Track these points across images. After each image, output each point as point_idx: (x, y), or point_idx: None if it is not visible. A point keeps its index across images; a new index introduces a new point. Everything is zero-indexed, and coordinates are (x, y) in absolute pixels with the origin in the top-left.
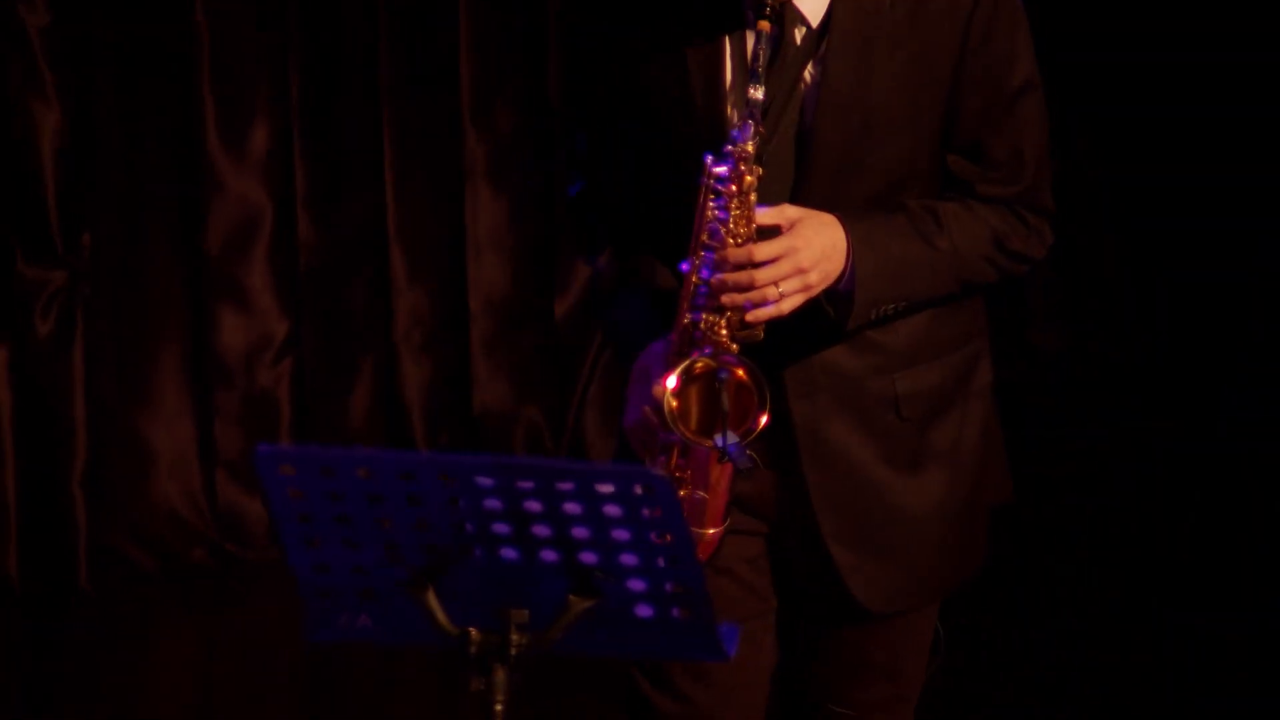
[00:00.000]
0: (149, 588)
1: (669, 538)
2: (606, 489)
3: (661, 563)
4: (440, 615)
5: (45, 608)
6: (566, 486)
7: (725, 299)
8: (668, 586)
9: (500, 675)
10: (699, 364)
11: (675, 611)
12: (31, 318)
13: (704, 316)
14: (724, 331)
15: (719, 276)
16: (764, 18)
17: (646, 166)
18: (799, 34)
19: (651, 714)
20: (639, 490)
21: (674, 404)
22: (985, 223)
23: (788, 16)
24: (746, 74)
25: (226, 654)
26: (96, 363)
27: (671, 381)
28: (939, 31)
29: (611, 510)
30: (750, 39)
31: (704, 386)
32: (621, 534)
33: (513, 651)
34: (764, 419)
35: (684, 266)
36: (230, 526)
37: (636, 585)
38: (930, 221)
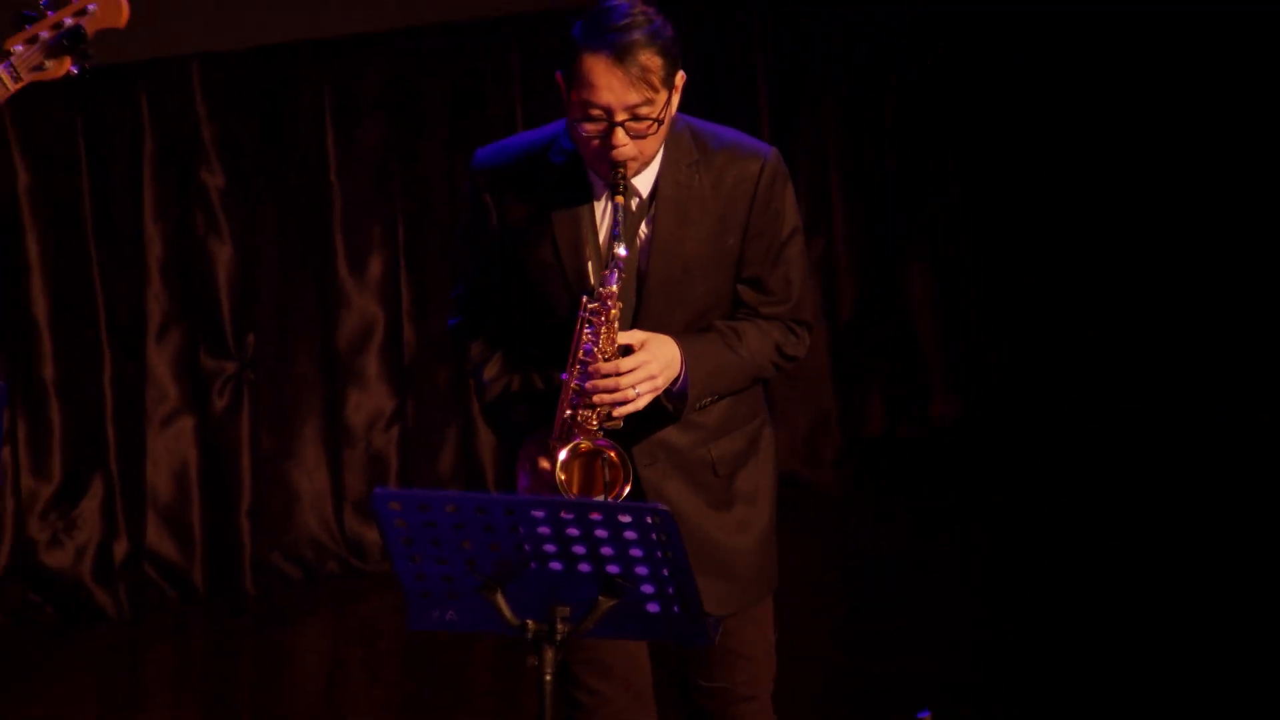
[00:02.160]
0: (295, 592)
1: (671, 555)
2: (626, 519)
3: (665, 572)
4: (506, 610)
5: (221, 606)
6: (597, 517)
7: (597, 399)
8: (670, 590)
9: (549, 654)
10: (583, 446)
11: (675, 608)
12: (210, 396)
13: (580, 412)
14: (594, 423)
15: (592, 382)
16: (619, 193)
17: (522, 306)
18: (634, 203)
19: (577, 705)
20: (650, 520)
21: (563, 477)
22: (769, 336)
23: (630, 190)
24: (599, 234)
25: (351, 640)
26: (258, 428)
27: (560, 457)
28: (733, 199)
29: (630, 535)
30: (598, 207)
31: (584, 463)
32: (637, 552)
33: (558, 637)
34: (628, 487)
35: (564, 376)
36: (354, 547)
37: (647, 589)
38: (734, 338)
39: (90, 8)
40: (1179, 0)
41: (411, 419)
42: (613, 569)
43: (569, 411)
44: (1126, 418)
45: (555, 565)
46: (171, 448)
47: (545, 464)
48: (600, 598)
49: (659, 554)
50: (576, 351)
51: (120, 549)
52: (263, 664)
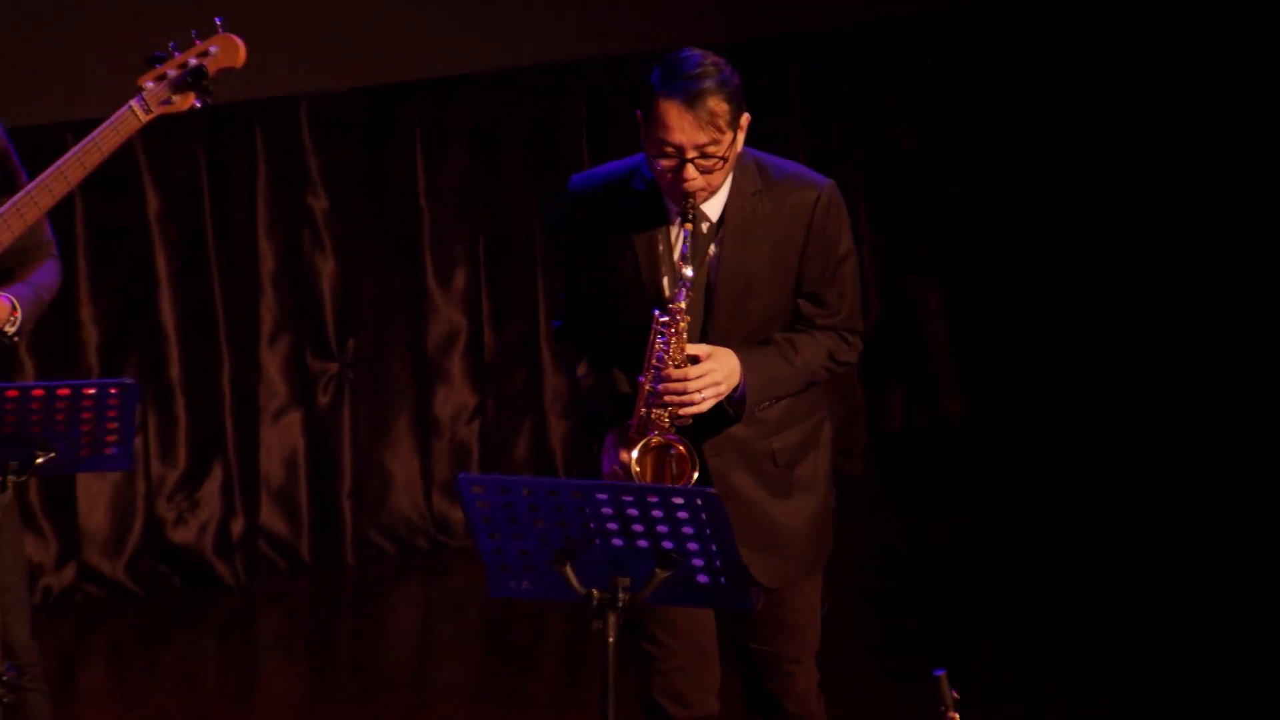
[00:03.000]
0: (389, 564)
1: (718, 533)
2: (679, 502)
3: (714, 548)
4: (574, 580)
5: (324, 576)
6: (654, 500)
7: (668, 400)
8: (717, 563)
9: (612, 619)
10: (654, 440)
11: (722, 579)
12: (315, 393)
13: (654, 411)
14: (665, 421)
15: (664, 385)
16: (688, 220)
17: (608, 314)
18: (704, 226)
19: (646, 658)
20: (699, 503)
21: (638, 469)
22: (823, 345)
23: (698, 216)
24: (673, 254)
25: (438, 606)
26: (357, 421)
27: (634, 454)
28: (792, 225)
29: (682, 515)
30: (673, 231)
31: (656, 455)
32: (688, 530)
33: (620, 604)
34: (695, 474)
35: (641, 379)
36: (441, 525)
37: (698, 563)
38: (790, 349)
39: (212, 50)
40: (1177, 1)
41: (490, 413)
42: (667, 545)
43: (644, 410)
44: (1126, 418)
45: (616, 541)
46: (281, 438)
47: (624, 455)
48: (656, 570)
49: (707, 532)
50: (650, 359)
51: (237, 526)
52: (361, 627)
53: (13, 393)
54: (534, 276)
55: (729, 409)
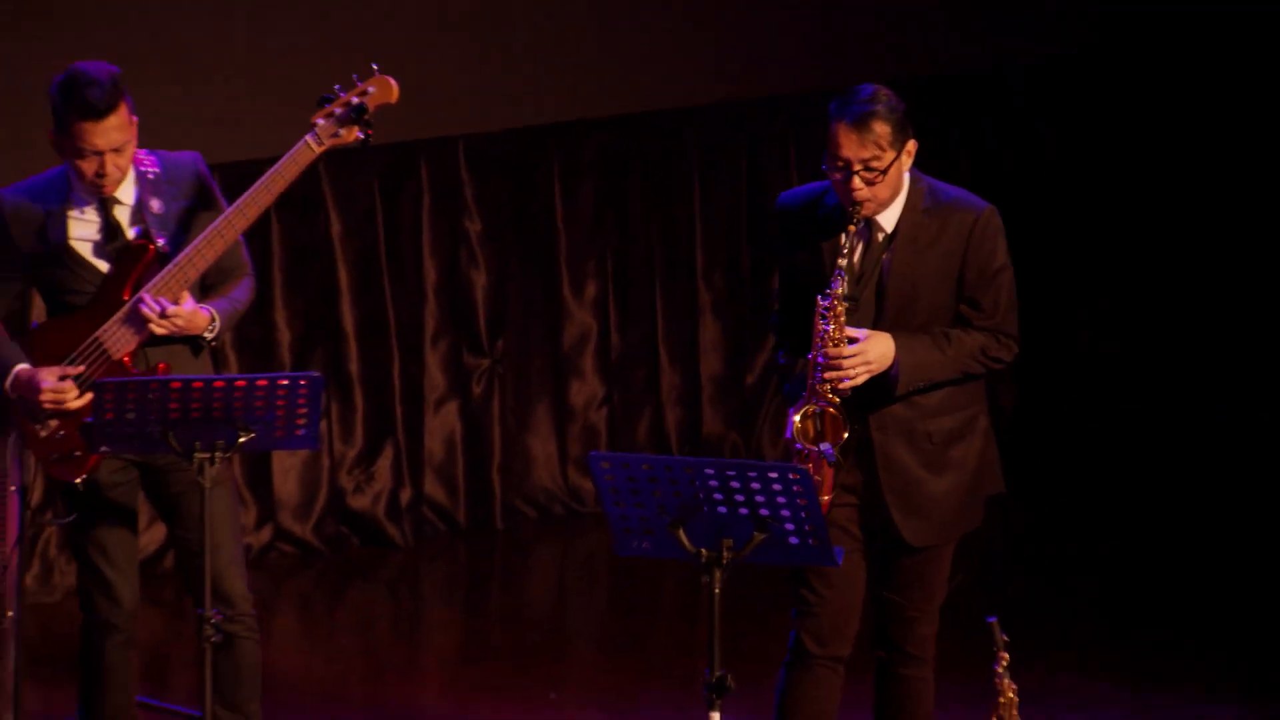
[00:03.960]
0: (531, 527)
1: (806, 502)
2: (774, 475)
3: (803, 515)
4: (685, 542)
5: (477, 537)
6: (753, 474)
7: (827, 375)
8: (806, 527)
9: (717, 575)
10: (812, 406)
11: (810, 541)
12: (470, 384)
13: (820, 384)
14: (828, 391)
15: (826, 362)
16: (852, 223)
17: (803, 304)
18: (880, 235)
19: (803, 602)
20: (792, 476)
21: (799, 424)
22: (975, 341)
23: (875, 226)
24: (845, 249)
25: (572, 563)
26: (505, 408)
27: (798, 416)
28: (955, 239)
29: (776, 488)
30: (846, 232)
31: (816, 419)
32: (781, 500)
33: (724, 561)
34: (845, 434)
35: (809, 355)
36: (575, 494)
37: (789, 527)
38: (944, 340)
39: (370, 90)
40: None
41: (616, 402)
42: (764, 512)
43: (812, 381)
44: (1125, 417)
45: (721, 509)
46: (442, 422)
47: (795, 418)
48: (754, 533)
49: (798, 501)
50: (816, 338)
51: (405, 495)
52: (508, 580)
53: (220, 384)
54: (653, 288)
55: (893, 387)
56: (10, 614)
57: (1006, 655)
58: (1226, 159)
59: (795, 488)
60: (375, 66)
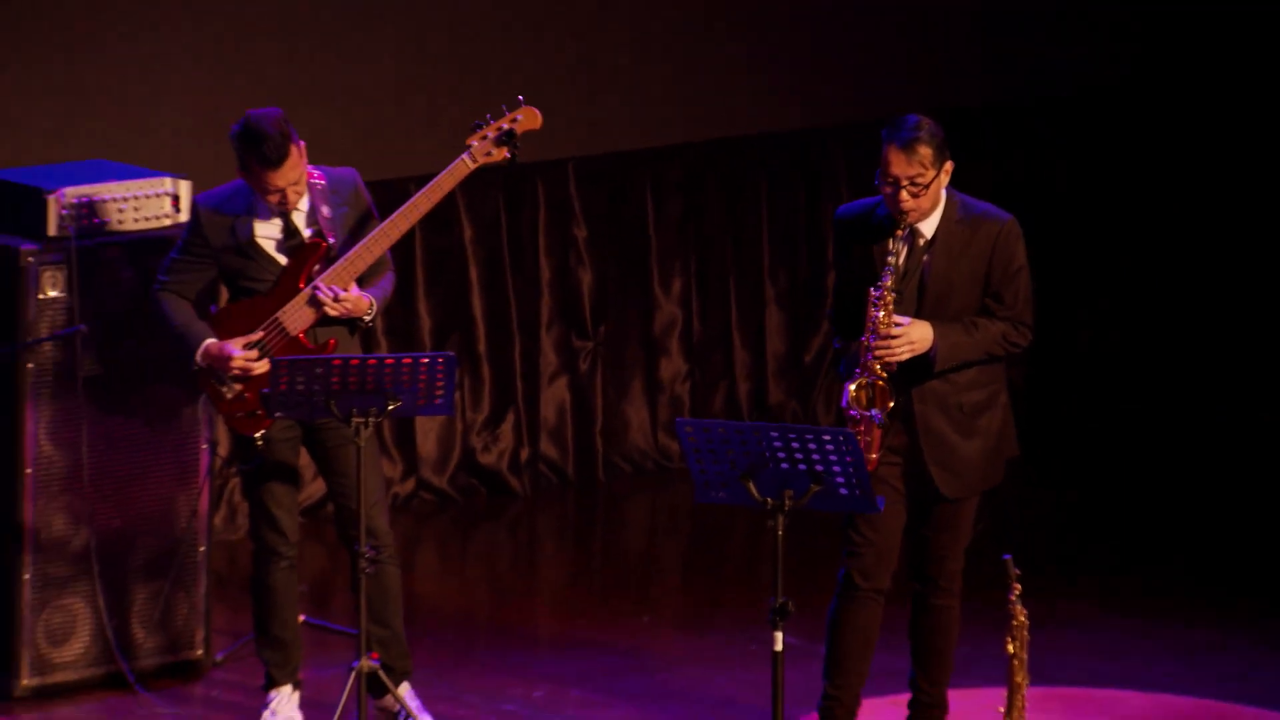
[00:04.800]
0: (627, 480)
1: (853, 459)
2: (827, 438)
3: (851, 470)
4: (754, 492)
5: (583, 489)
6: (809, 437)
7: (878, 353)
8: (853, 480)
9: (780, 519)
10: (864, 379)
11: (857, 492)
12: (578, 362)
13: (871, 361)
14: (878, 367)
15: (876, 342)
16: (899, 228)
17: (855, 298)
18: (921, 241)
19: (851, 543)
20: (841, 439)
21: (853, 393)
22: (998, 328)
23: (916, 233)
24: (894, 250)
25: (660, 510)
26: (606, 382)
27: (854, 386)
28: (984, 244)
29: (829, 448)
30: (895, 236)
31: (867, 390)
32: (833, 458)
33: (785, 508)
34: (891, 403)
35: (863, 339)
36: (664, 453)
37: (840, 480)
38: (972, 327)
39: (518, 117)
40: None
41: (697, 377)
42: (818, 468)
43: (864, 359)
44: (1127, 417)
45: (784, 465)
46: (554, 394)
47: (850, 387)
48: (811, 485)
49: (846, 459)
50: (868, 323)
51: (524, 453)
52: (607, 523)
53: (373, 362)
54: (727, 283)
55: (932, 364)
56: (202, 548)
57: (1019, 586)
58: (1228, 170)
59: (844, 448)
60: (521, 99)
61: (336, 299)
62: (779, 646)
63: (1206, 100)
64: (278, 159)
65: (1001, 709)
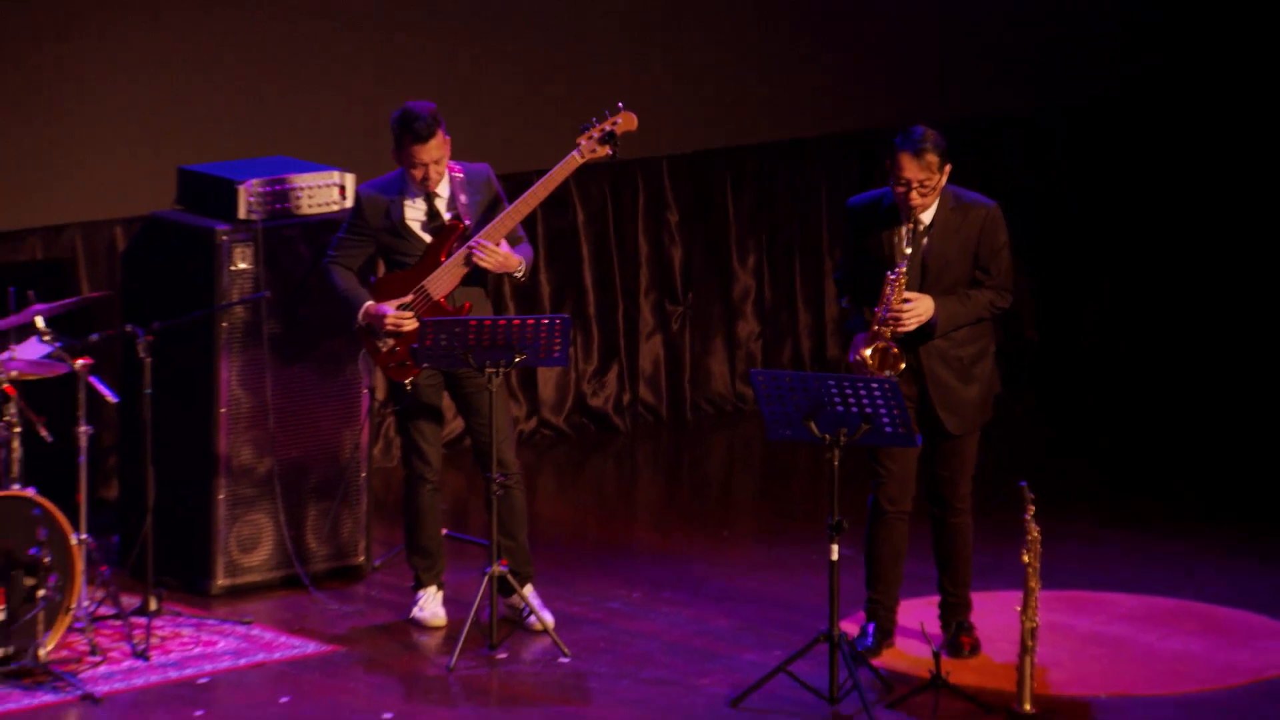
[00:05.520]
0: (711, 419)
1: (895, 403)
2: (875, 385)
3: (895, 413)
4: (815, 430)
5: (675, 425)
6: (860, 385)
7: (890, 320)
8: (896, 419)
9: (836, 452)
10: (879, 345)
11: (900, 430)
12: (670, 324)
13: (883, 327)
14: (888, 333)
15: (889, 312)
16: (909, 221)
17: (865, 274)
18: (921, 227)
19: (877, 474)
20: (886, 386)
21: (867, 358)
22: (986, 296)
23: (918, 220)
24: (902, 242)
25: (737, 444)
26: (693, 339)
27: (868, 351)
28: (972, 228)
29: (876, 393)
30: (903, 229)
31: (881, 353)
32: (880, 401)
33: (841, 443)
34: (903, 365)
35: (876, 309)
36: (740, 398)
37: (885, 419)
38: (965, 296)
39: (619, 120)
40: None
41: (768, 336)
42: (868, 410)
43: (877, 326)
44: (1130, 376)
45: (839, 408)
46: (650, 349)
47: (864, 351)
48: (861, 424)
49: (891, 403)
50: (883, 297)
51: (626, 397)
52: (695, 455)
53: (501, 321)
54: (793, 259)
55: (931, 330)
56: (363, 474)
57: (1032, 507)
58: (1228, 174)
59: (889, 395)
60: (620, 105)
61: (488, 251)
62: (835, 556)
63: (1203, 111)
64: (427, 135)
65: (1018, 608)
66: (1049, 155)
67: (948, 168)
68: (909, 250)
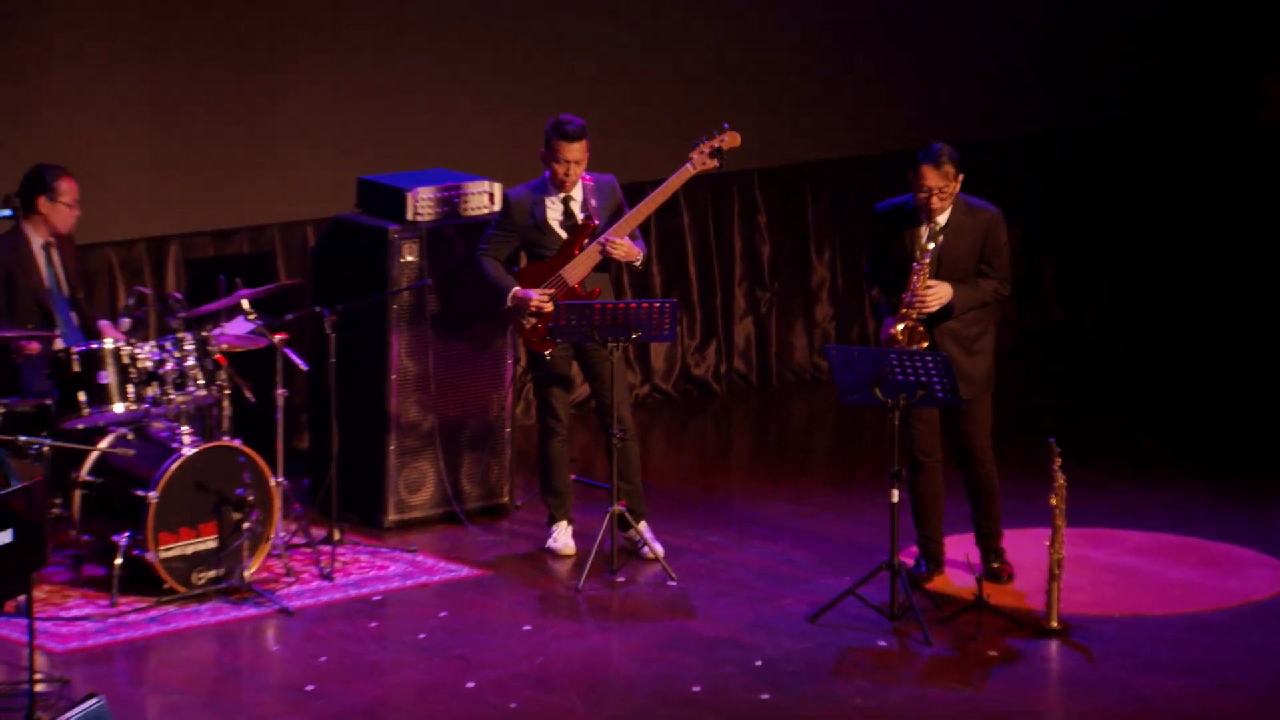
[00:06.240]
0: (791, 386)
1: (945, 372)
2: (929, 358)
3: (948, 379)
4: (880, 395)
5: (763, 389)
6: (917, 358)
7: (915, 303)
8: (947, 385)
9: (897, 415)
10: (907, 324)
11: (950, 394)
12: (759, 306)
13: (909, 309)
14: (914, 314)
15: (915, 297)
16: (929, 222)
17: (893, 266)
18: (938, 227)
19: (911, 428)
20: (938, 359)
21: (898, 334)
22: (990, 285)
23: (935, 222)
24: (923, 239)
25: (817, 407)
26: (779, 321)
27: (898, 329)
28: (980, 228)
29: (930, 365)
30: (924, 229)
31: (909, 331)
32: (933, 371)
33: (901, 405)
34: (925, 343)
35: (904, 295)
36: (818, 369)
37: (937, 385)
38: (974, 284)
39: (725, 138)
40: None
41: (839, 318)
42: (923, 379)
43: (904, 309)
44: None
45: (899, 377)
46: (743, 328)
47: (894, 329)
48: (918, 390)
49: (941, 371)
50: (909, 284)
51: (722, 367)
52: (780, 418)
53: (621, 304)
54: (860, 255)
55: (951, 311)
56: (508, 430)
57: (1059, 459)
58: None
59: (941, 366)
60: (726, 125)
61: (616, 244)
62: (895, 500)
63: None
64: (575, 136)
65: (1047, 542)
66: (1072, 168)
67: (960, 177)
68: (930, 246)
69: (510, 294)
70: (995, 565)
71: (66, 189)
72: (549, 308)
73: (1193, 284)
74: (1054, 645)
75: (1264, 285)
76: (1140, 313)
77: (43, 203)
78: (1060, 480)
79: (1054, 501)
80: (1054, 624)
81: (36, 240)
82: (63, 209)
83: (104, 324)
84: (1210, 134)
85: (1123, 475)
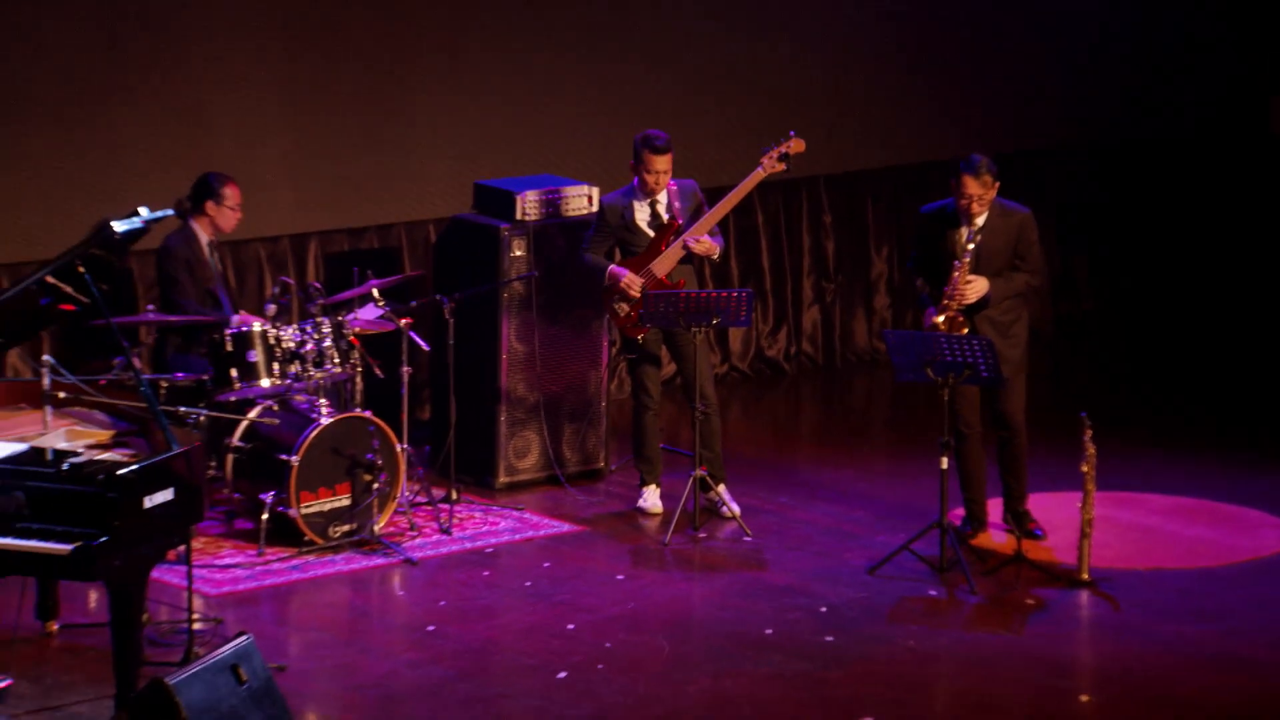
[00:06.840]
0: (852, 367)
1: (989, 353)
2: (975, 342)
3: (992, 360)
4: (931, 374)
5: (828, 371)
6: (964, 341)
7: (956, 295)
8: (991, 364)
9: (947, 392)
10: (948, 314)
11: (994, 374)
12: (824, 296)
13: (950, 300)
14: (955, 304)
15: (956, 289)
16: (969, 224)
17: (935, 262)
18: (975, 227)
19: (952, 402)
20: (982, 342)
21: (939, 323)
22: (1023, 278)
23: (974, 223)
24: (963, 240)
25: (876, 385)
26: (841, 310)
27: (940, 318)
28: (1013, 228)
29: (977, 347)
30: (964, 230)
31: (949, 320)
32: (978, 353)
33: (950, 383)
34: (966, 329)
35: (946, 288)
36: (875, 351)
37: (982, 366)
38: (1009, 277)
39: (791, 145)
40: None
41: (894, 306)
42: (969, 360)
43: (945, 300)
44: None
45: (949, 358)
46: (810, 315)
47: (936, 318)
48: (964, 370)
49: (987, 354)
50: (951, 279)
51: (792, 349)
52: (842, 393)
53: (704, 294)
54: (910, 251)
55: (985, 301)
56: (604, 403)
57: (1090, 430)
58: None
59: (986, 348)
60: (792, 132)
61: (698, 241)
62: (945, 466)
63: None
64: (663, 149)
65: (1078, 505)
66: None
67: (997, 184)
68: (970, 245)
69: (608, 271)
70: (1030, 525)
71: (231, 194)
72: (635, 290)
73: (1208, 277)
74: (1084, 595)
75: (1269, 280)
76: (1162, 302)
77: (210, 206)
78: (1091, 450)
79: (1085, 468)
80: (1084, 576)
81: (203, 237)
82: (227, 212)
83: (242, 315)
84: (1224, 146)
85: (1146, 445)
